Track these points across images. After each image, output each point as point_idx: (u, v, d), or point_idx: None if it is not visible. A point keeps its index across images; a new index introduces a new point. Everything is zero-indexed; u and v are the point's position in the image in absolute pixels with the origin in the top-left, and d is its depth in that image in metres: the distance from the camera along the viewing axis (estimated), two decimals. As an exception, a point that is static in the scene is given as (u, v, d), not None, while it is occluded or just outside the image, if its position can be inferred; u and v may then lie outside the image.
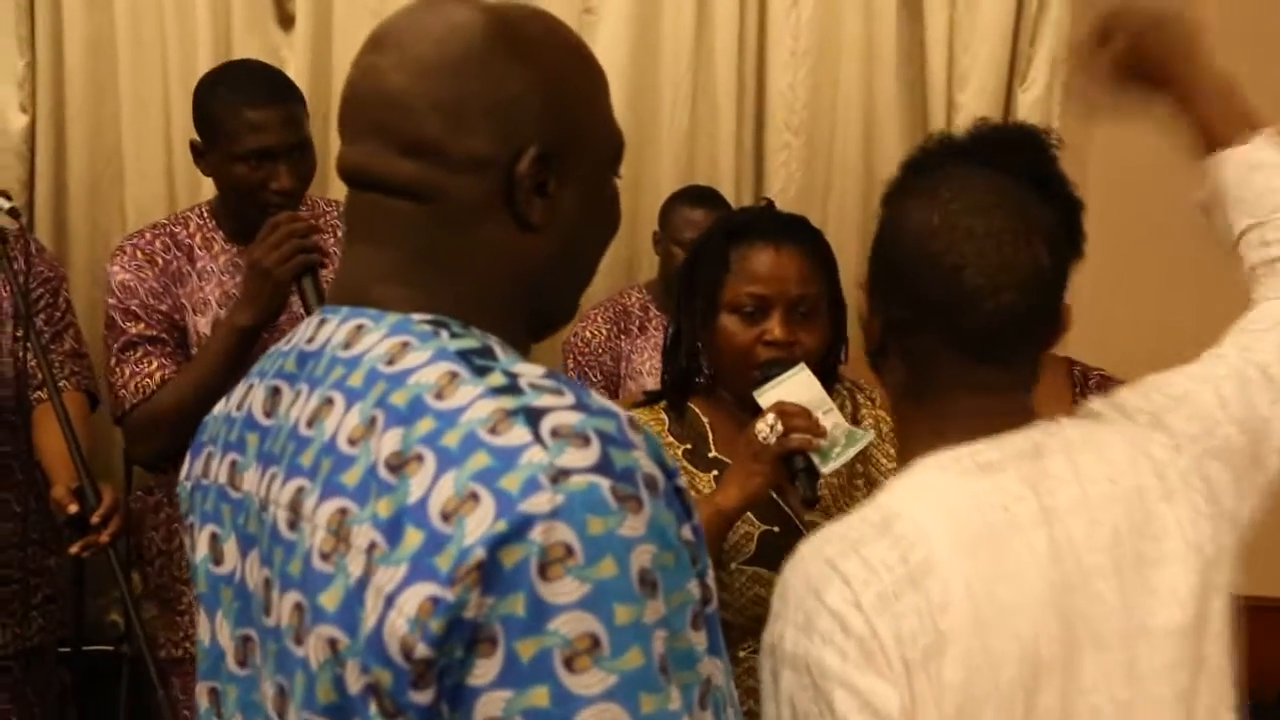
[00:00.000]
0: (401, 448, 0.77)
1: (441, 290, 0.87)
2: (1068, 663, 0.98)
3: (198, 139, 2.01)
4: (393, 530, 0.76)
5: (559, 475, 0.74)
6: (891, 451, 1.73)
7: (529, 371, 0.82)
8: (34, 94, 2.87)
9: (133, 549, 2.13)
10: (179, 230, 2.04)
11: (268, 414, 0.91)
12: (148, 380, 1.91)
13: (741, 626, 1.65)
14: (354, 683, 0.77)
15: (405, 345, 0.83)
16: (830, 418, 1.58)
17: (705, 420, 1.75)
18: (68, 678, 2.27)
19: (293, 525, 0.83)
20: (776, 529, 1.67)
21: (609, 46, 2.90)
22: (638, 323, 2.62)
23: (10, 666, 2.07)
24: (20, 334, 1.94)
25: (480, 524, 0.73)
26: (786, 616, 1.01)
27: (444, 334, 0.84)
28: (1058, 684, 0.98)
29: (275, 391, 0.91)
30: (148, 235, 2.04)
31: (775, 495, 1.67)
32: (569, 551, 0.73)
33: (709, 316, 1.69)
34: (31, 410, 2.06)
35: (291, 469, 0.85)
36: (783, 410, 1.55)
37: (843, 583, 0.98)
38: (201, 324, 1.97)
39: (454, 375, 0.80)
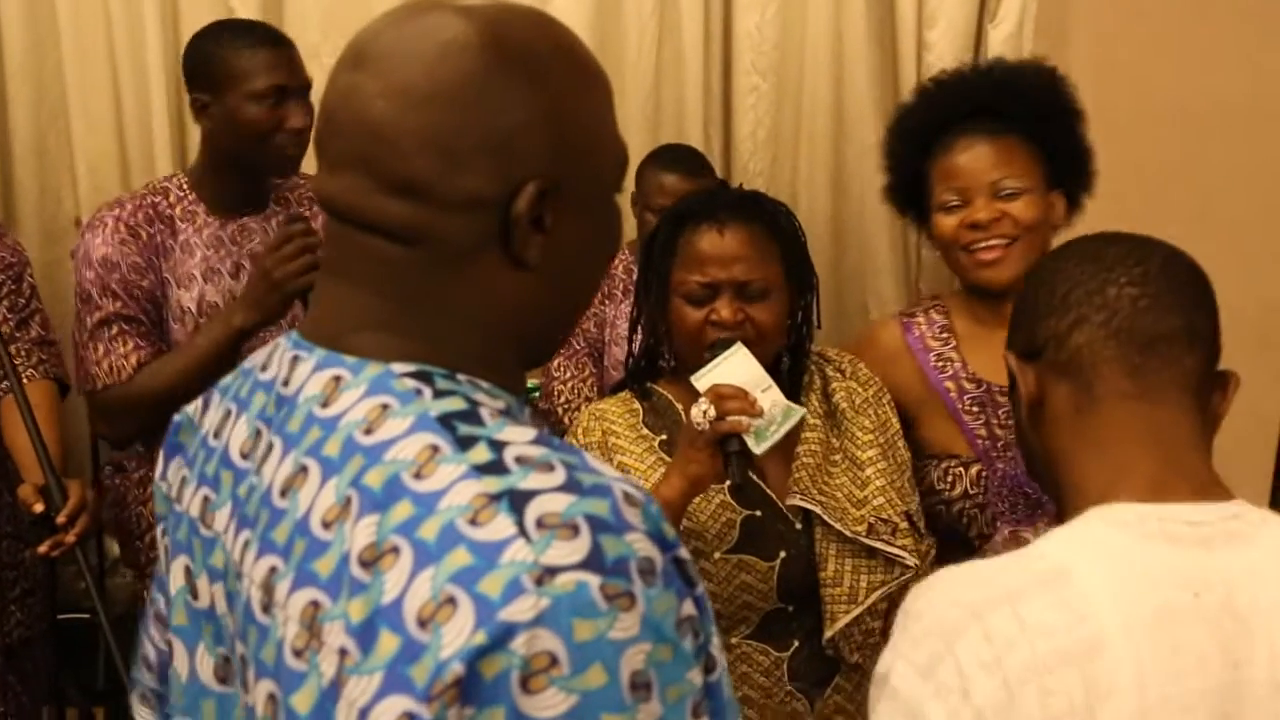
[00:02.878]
0: (376, 538, 0.72)
1: (427, 336, 0.81)
2: None
3: (199, 96, 1.98)
4: (365, 635, 0.71)
5: (544, 575, 0.69)
6: (868, 424, 1.73)
7: (518, 439, 0.76)
8: (-30, 51, 2.76)
9: (110, 525, 2.12)
10: (159, 200, 2.01)
11: (244, 455, 0.87)
12: (123, 363, 1.89)
13: (731, 615, 1.66)
14: None
15: (385, 409, 0.77)
16: (769, 395, 1.56)
17: (679, 406, 1.74)
18: (51, 656, 2.25)
19: (266, 609, 0.79)
20: (759, 513, 1.67)
21: (571, -10, 2.82)
22: (621, 286, 2.56)
23: (-7, 660, 2.06)
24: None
25: (458, 635, 0.68)
26: (902, 650, 0.92)
27: (426, 393, 0.78)
28: None
29: (257, 434, 0.86)
30: (129, 207, 2.00)
31: (756, 479, 1.67)
32: (554, 661, 0.68)
33: (662, 302, 1.68)
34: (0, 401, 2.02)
35: (265, 543, 0.81)
36: (717, 393, 1.54)
37: (983, 638, 0.88)
38: (185, 298, 1.94)
39: (435, 449, 0.74)
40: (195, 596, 0.91)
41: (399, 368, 0.80)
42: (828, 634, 1.65)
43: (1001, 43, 2.88)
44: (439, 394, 0.78)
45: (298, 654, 0.75)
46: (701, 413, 1.53)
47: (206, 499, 0.90)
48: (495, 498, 0.71)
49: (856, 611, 1.63)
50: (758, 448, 1.54)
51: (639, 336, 1.78)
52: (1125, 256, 1.00)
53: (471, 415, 0.77)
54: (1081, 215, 1.94)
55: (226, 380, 0.95)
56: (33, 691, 2.16)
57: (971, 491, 1.82)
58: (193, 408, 0.96)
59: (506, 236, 0.80)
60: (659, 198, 2.34)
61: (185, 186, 2.07)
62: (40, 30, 2.79)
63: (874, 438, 1.72)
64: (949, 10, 2.88)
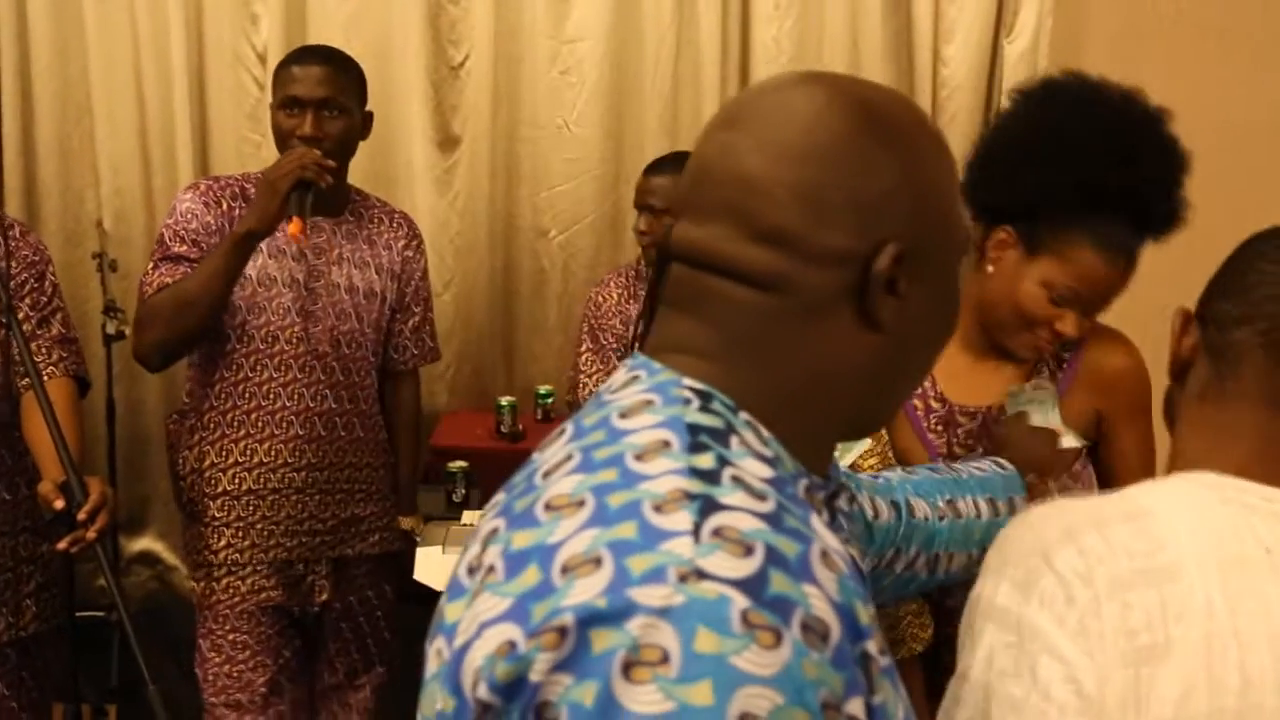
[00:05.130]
0: (571, 491, 0.75)
1: (739, 373, 0.82)
2: None
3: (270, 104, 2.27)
4: (517, 562, 0.73)
5: (691, 575, 0.67)
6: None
7: (749, 470, 0.76)
8: (-2, 52, 2.80)
9: (170, 467, 2.34)
10: (248, 187, 2.22)
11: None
12: (167, 280, 2.10)
13: None
14: (437, 702, 0.75)
15: (648, 404, 0.80)
16: None
17: None
18: (66, 652, 2.28)
19: (473, 538, 0.83)
20: None
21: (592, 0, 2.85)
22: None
23: (7, 654, 2.07)
24: (4, 321, 1.91)
25: (584, 592, 0.68)
26: (1003, 572, 0.97)
27: (694, 404, 0.80)
28: None
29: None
30: (222, 181, 2.24)
31: None
32: (664, 658, 0.65)
33: None
34: (19, 398, 2.04)
35: (507, 486, 0.85)
36: None
37: (1078, 553, 0.94)
38: (247, 266, 2.11)
39: (665, 444, 0.76)
40: None
41: (688, 381, 0.82)
42: None
43: (1017, 58, 2.90)
44: (705, 410, 0.80)
45: (470, 571, 0.78)
46: None
47: None
48: (691, 497, 0.72)
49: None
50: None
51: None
52: None
53: (721, 435, 0.78)
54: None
55: None
56: (44, 687, 2.18)
57: None
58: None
59: (861, 295, 0.82)
60: (648, 199, 2.41)
61: None
62: (66, 33, 2.83)
63: (874, 445, 1.73)
64: (965, 24, 2.91)
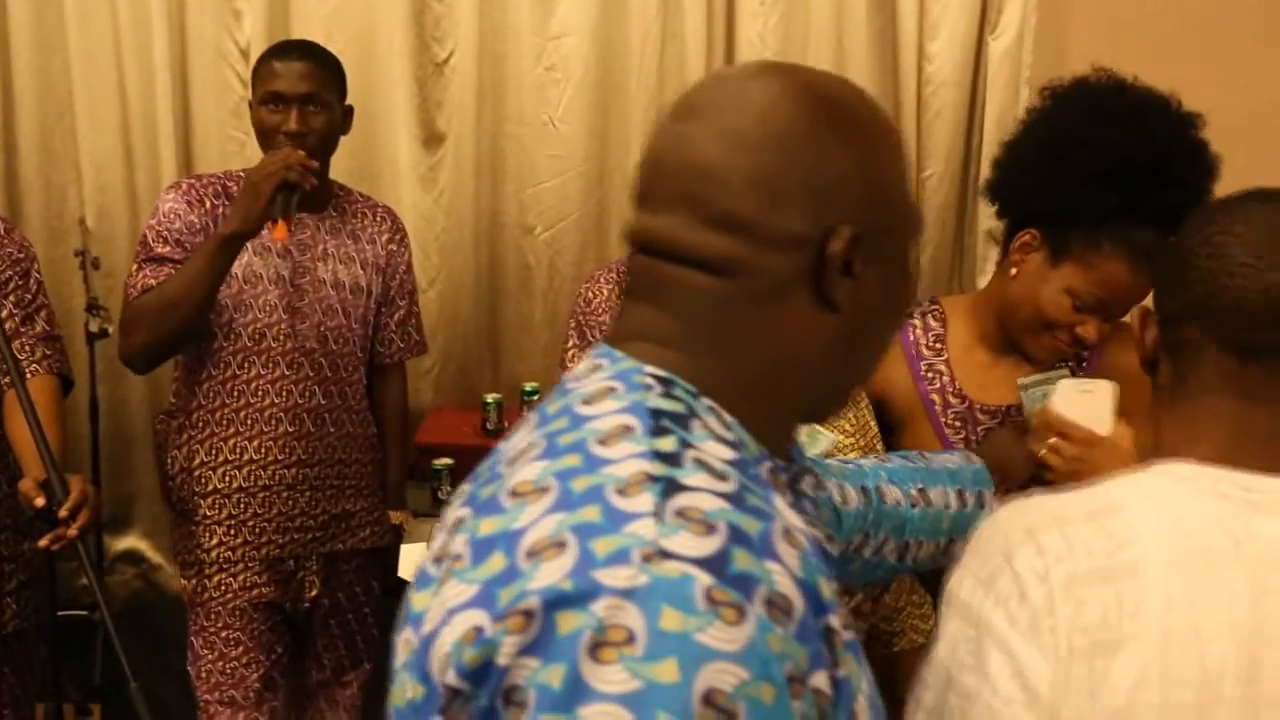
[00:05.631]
0: (535, 478, 0.76)
1: (699, 359, 0.84)
2: (1245, 712, 0.93)
3: (249, 99, 2.28)
4: (482, 549, 0.74)
5: (655, 556, 0.68)
6: (848, 427, 1.72)
7: (711, 453, 0.77)
8: (-22, 49, 2.78)
9: (158, 467, 2.34)
10: (231, 185, 2.21)
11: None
12: (150, 282, 2.08)
13: None
14: (407, 691, 0.76)
15: (610, 390, 0.81)
16: None
17: None
18: (47, 651, 2.27)
19: (441, 530, 0.84)
20: None
21: (575, -4, 2.85)
22: None
23: (-12, 651, 2.07)
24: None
25: (550, 575, 0.69)
26: (970, 567, 1.00)
27: (655, 390, 0.81)
28: None
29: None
30: (205, 179, 2.23)
31: None
32: (630, 638, 0.66)
33: None
34: (2, 395, 2.03)
35: (473, 476, 0.86)
36: None
37: (1036, 552, 0.96)
38: (234, 265, 2.10)
39: (628, 429, 0.77)
40: None
41: (650, 368, 0.83)
42: None
43: (1001, 55, 2.91)
44: (666, 396, 0.81)
45: (437, 560, 0.79)
46: None
47: None
48: (653, 479, 0.73)
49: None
50: None
51: None
52: (1251, 260, 0.99)
53: (682, 419, 0.79)
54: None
55: None
56: (26, 684, 2.17)
57: None
58: None
59: (817, 278, 0.83)
60: None
61: None
62: (47, 28, 2.81)
63: (854, 441, 1.73)
64: (950, 21, 2.91)
